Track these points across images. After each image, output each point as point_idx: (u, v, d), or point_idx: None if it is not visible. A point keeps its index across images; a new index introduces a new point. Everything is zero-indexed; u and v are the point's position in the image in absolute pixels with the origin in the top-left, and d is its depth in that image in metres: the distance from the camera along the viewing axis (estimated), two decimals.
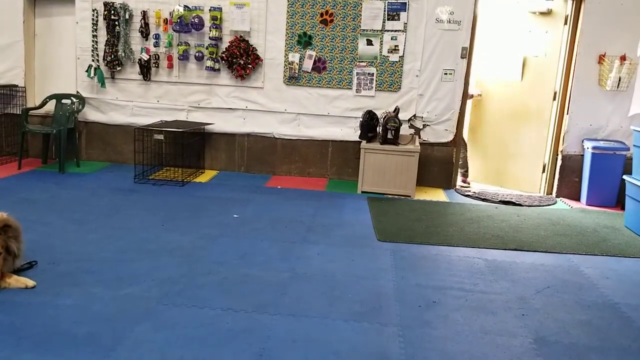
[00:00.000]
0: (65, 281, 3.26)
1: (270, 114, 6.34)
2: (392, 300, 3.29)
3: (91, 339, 2.64)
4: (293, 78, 6.21)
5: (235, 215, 4.80)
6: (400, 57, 6.04)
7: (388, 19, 5.97)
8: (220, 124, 6.40)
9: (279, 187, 5.94)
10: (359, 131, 5.95)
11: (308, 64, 6.16)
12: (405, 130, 6.04)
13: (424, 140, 6.15)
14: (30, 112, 6.35)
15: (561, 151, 6.09)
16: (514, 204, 5.73)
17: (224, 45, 6.20)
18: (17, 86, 6.49)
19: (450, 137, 6.16)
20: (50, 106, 6.41)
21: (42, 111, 6.47)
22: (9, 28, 6.38)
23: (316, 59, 6.15)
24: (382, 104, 6.14)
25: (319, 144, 6.37)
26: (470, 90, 6.31)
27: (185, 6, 6.10)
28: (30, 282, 3.13)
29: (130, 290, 3.20)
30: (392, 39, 6.01)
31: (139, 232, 4.21)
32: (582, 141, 5.98)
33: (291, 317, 3.00)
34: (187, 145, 6.21)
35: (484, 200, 5.84)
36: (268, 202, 5.30)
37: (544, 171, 6.31)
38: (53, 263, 3.49)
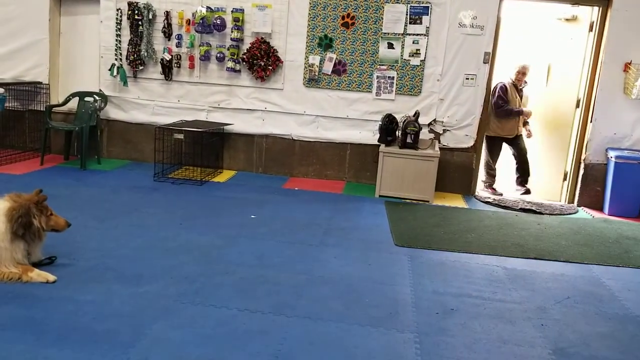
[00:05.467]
0: (85, 277, 3.30)
1: (289, 116, 6.35)
2: (409, 306, 3.26)
3: (110, 335, 2.66)
4: (313, 80, 6.22)
5: (252, 216, 4.81)
6: (421, 61, 6.01)
7: (410, 23, 5.94)
8: (240, 124, 6.43)
9: (297, 188, 5.95)
10: (378, 135, 5.93)
11: (328, 67, 6.16)
12: (425, 134, 5.99)
13: (443, 145, 6.11)
14: (54, 109, 6.45)
15: (584, 159, 5.99)
16: (534, 212, 5.65)
17: (245, 46, 6.23)
18: (41, 83, 6.59)
19: (471, 143, 6.10)
20: (73, 104, 6.50)
21: (65, 108, 6.57)
22: (35, 26, 6.49)
23: (336, 61, 6.14)
24: (402, 108, 6.10)
25: (338, 147, 6.36)
26: None
27: (207, 7, 6.14)
28: (51, 277, 3.18)
29: (149, 287, 3.22)
30: (413, 42, 5.98)
31: (157, 230, 4.24)
32: (606, 150, 5.89)
33: (307, 319, 2.99)
34: (207, 145, 6.25)
35: (504, 207, 5.77)
36: (285, 204, 5.30)
37: (565, 179, 6.22)
38: (73, 259, 3.53)
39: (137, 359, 2.48)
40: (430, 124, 6.10)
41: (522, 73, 6.11)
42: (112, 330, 2.71)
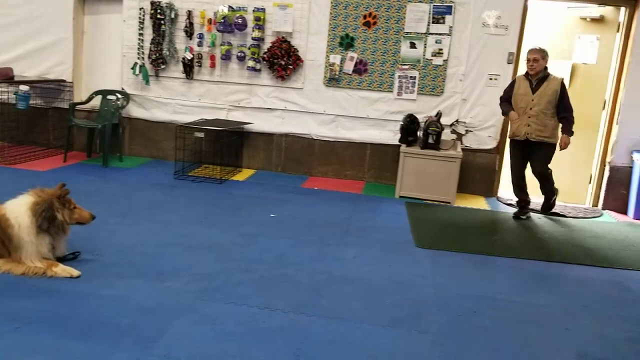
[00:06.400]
0: (108, 272, 3.32)
1: (309, 115, 6.34)
2: (431, 308, 3.22)
3: (133, 330, 2.68)
4: (333, 79, 6.20)
5: (272, 215, 4.81)
6: (444, 60, 5.95)
7: (433, 22, 5.89)
8: (259, 123, 6.43)
9: (316, 188, 5.93)
10: (399, 135, 5.88)
11: (349, 66, 6.13)
12: (447, 135, 5.93)
13: (466, 146, 6.04)
14: (77, 106, 6.53)
15: (609, 162, 5.87)
16: (558, 215, 5.55)
17: (266, 45, 6.23)
18: (65, 81, 6.68)
19: (494, 144, 6.02)
20: (96, 101, 6.58)
21: (88, 106, 6.64)
22: (59, 25, 6.58)
23: (357, 61, 6.12)
24: (423, 108, 6.05)
25: (357, 146, 6.33)
26: None
27: (229, 6, 6.16)
28: (75, 272, 3.21)
29: (171, 284, 3.23)
30: (436, 42, 5.93)
31: (178, 227, 4.26)
32: (632, 152, 5.76)
33: (328, 319, 2.97)
34: (226, 144, 6.27)
35: None
36: (305, 203, 5.29)
37: (590, 182, 6.11)
38: (97, 254, 3.56)
39: (160, 354, 2.49)
40: (452, 124, 6.04)
41: (527, 60, 5.04)
42: (135, 325, 2.73)
